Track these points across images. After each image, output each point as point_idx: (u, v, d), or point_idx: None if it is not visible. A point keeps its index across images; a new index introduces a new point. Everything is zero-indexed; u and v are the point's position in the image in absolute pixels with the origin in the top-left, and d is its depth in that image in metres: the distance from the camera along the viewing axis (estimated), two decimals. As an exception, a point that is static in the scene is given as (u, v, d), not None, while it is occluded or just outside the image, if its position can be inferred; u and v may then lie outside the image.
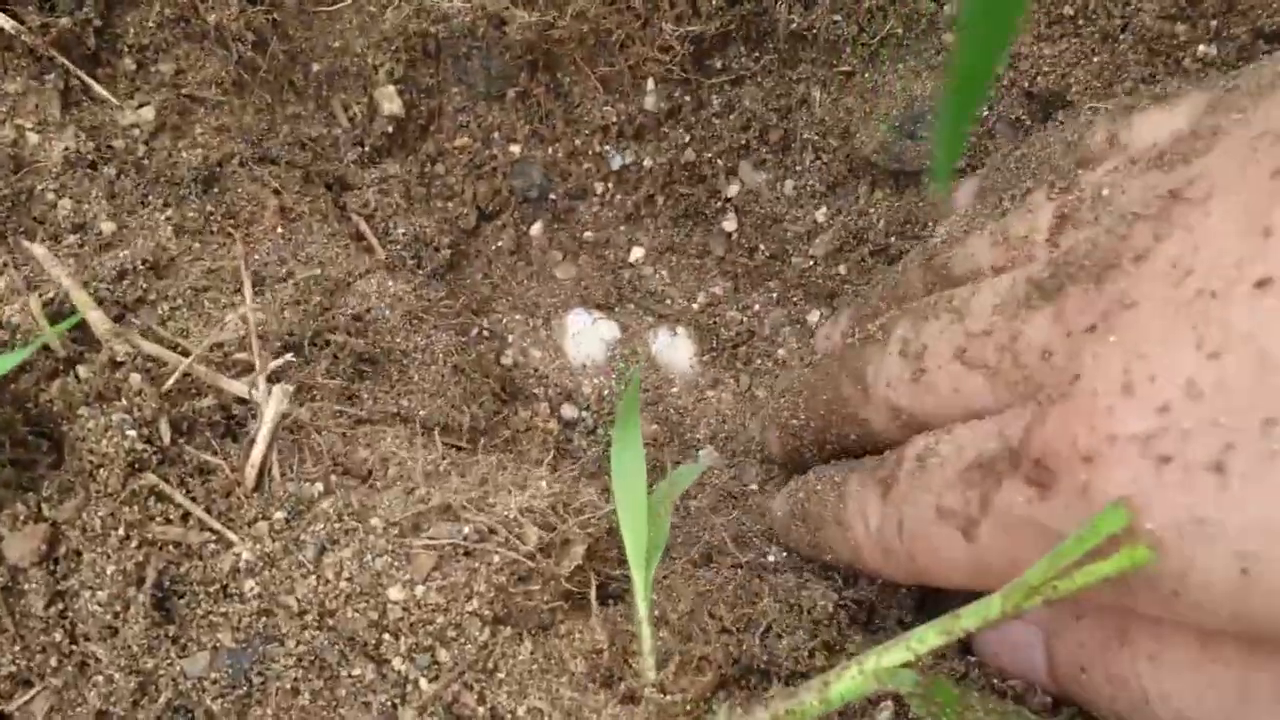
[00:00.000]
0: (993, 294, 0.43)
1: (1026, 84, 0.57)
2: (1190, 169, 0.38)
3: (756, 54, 0.62)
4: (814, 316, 0.64)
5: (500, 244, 0.66)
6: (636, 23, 0.61)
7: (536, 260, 0.66)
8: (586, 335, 0.63)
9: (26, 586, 0.40)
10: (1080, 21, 0.55)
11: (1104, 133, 0.47)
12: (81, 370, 0.44)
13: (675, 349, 0.63)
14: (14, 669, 0.40)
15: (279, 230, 0.58)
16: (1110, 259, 0.37)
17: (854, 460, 0.50)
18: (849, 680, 0.35)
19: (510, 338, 0.63)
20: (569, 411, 0.60)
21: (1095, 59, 0.55)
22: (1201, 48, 0.53)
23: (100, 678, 0.40)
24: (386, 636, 0.40)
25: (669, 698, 0.38)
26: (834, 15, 0.59)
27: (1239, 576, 0.32)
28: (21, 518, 0.41)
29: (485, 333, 0.63)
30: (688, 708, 0.38)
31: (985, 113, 0.56)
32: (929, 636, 0.34)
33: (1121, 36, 0.55)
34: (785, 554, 0.53)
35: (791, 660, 0.42)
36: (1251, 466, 0.31)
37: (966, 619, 0.33)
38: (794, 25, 0.60)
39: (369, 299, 0.56)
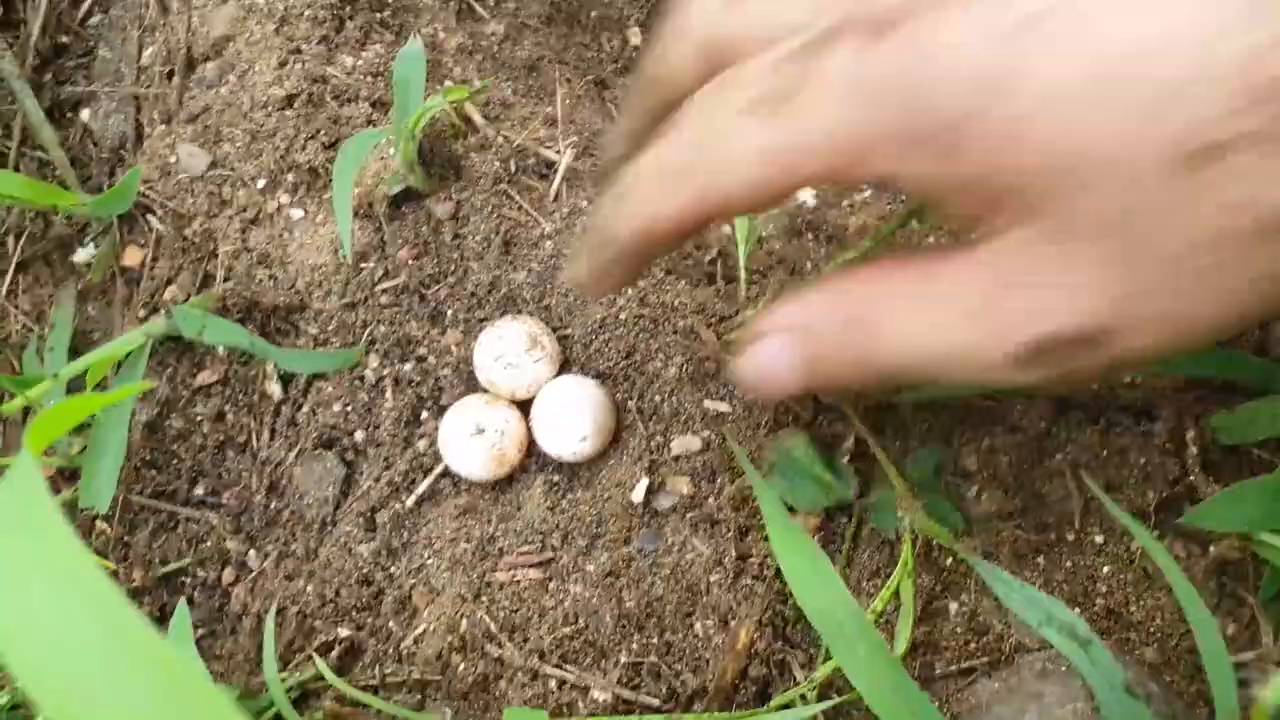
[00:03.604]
0: None
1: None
2: None
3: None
4: None
5: (695, 131, 1.04)
6: None
7: (717, 143, 1.04)
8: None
9: (443, 230, 0.81)
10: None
11: None
12: (469, 139, 0.85)
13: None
14: (433, 271, 0.81)
15: (567, 103, 0.98)
16: None
17: None
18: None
19: (695, 183, 1.01)
20: (726, 226, 0.98)
21: None
22: None
23: (472, 279, 0.80)
24: (614, 267, 0.78)
25: (747, 297, 0.75)
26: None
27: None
28: (441, 198, 0.81)
29: (680, 178, 1.01)
30: (756, 298, 0.75)
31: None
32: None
33: None
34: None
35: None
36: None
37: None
38: None
39: (614, 141, 0.95)
